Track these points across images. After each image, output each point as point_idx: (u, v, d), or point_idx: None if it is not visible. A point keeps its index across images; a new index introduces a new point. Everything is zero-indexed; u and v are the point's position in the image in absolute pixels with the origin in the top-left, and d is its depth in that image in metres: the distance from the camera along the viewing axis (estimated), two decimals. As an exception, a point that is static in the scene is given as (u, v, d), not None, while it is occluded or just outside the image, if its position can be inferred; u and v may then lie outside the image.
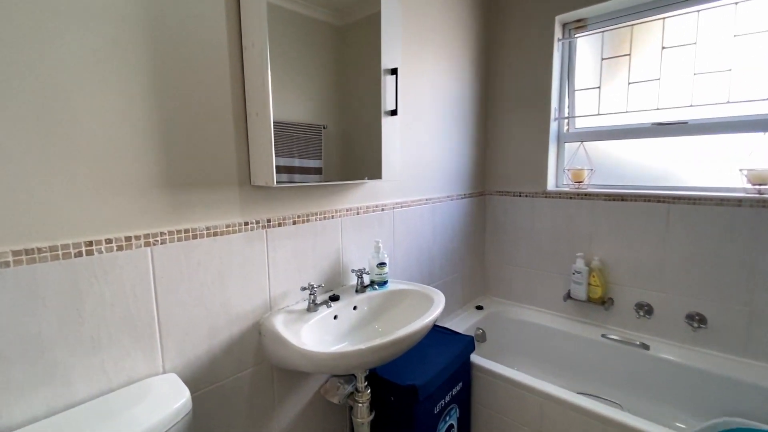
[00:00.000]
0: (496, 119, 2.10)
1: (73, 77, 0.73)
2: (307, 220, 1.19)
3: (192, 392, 0.95)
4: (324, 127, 1.10)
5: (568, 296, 1.86)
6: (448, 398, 1.35)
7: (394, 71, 1.24)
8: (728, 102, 1.52)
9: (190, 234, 0.92)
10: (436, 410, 1.29)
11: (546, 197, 1.94)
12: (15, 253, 0.68)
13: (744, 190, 1.49)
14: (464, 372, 1.46)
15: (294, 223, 1.15)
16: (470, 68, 1.94)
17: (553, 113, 1.91)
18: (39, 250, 0.71)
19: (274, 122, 0.95)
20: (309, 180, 1.08)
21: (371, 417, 1.21)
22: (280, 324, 1.04)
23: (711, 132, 1.57)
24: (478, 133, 2.05)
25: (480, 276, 2.20)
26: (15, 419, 0.70)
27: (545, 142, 1.92)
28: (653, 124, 1.70)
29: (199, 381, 0.97)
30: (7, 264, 0.67)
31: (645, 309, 1.67)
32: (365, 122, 1.22)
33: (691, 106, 1.60)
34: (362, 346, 0.90)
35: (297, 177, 1.04)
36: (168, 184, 0.88)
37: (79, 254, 0.75)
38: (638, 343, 1.65)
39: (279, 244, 1.11)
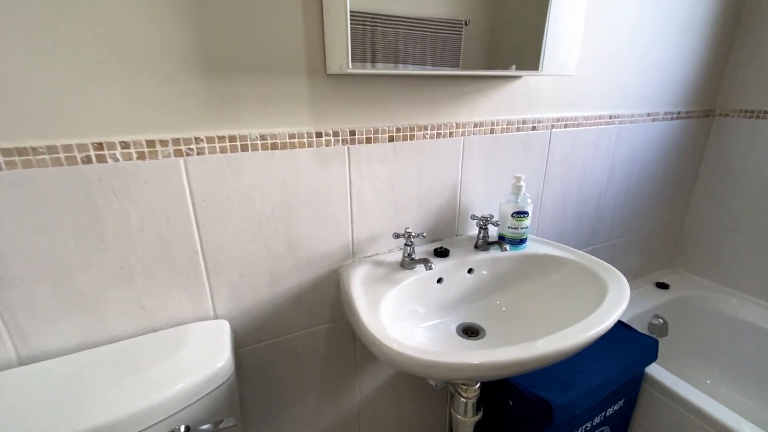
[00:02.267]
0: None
1: None
2: (411, 136, 0.80)
3: (252, 343, 0.78)
4: (466, 23, 0.66)
5: None
6: (598, 419, 0.91)
7: None
8: None
9: (238, 144, 0.64)
10: (577, 434, 0.88)
11: None
12: (5, 152, 0.51)
13: None
14: (632, 386, 0.96)
15: (391, 139, 0.77)
16: None
17: None
18: (34, 150, 0.53)
19: (395, 16, 0.60)
20: (415, 68, 0.66)
21: (477, 418, 0.88)
22: (357, 283, 0.74)
23: None
24: (716, 12, 1.19)
25: (672, 240, 1.49)
26: (47, 346, 0.61)
27: None
28: None
29: (261, 331, 0.78)
30: (-5, 166, 0.51)
31: None
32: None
33: None
34: (474, 360, 0.53)
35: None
36: (204, 68, 0.59)
37: (87, 160, 0.56)
38: None
39: (367, 169, 0.77)
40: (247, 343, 0.77)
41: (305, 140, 0.69)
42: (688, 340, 1.36)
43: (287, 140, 0.68)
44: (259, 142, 0.66)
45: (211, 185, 0.64)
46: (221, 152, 0.63)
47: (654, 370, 1.00)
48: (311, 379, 0.88)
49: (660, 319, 1.30)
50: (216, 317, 0.73)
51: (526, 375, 0.85)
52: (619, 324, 1.02)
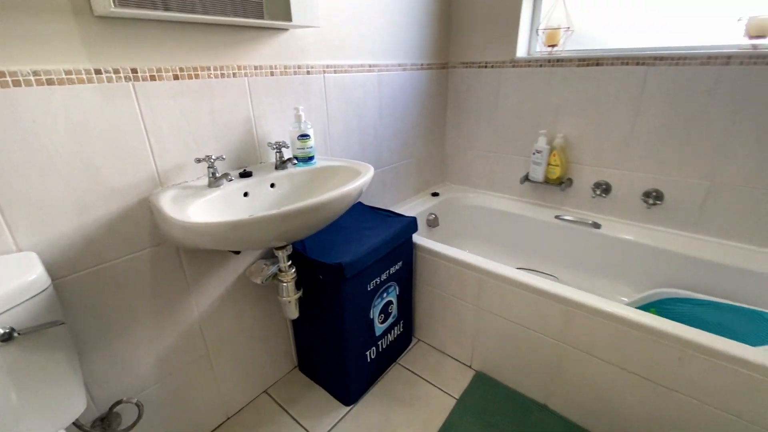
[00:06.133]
0: (463, -35, 1.69)
1: None
2: (196, 76, 0.95)
3: (69, 274, 0.84)
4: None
5: (526, 179, 1.75)
6: (384, 276, 1.30)
7: None
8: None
9: (8, 78, 0.69)
10: (370, 287, 1.25)
11: (514, 66, 1.68)
12: None
13: (738, 46, 1.26)
14: (405, 252, 1.40)
15: (176, 77, 0.91)
16: None
17: (532, -47, 1.53)
18: None
19: None
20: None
21: (298, 295, 1.16)
22: (166, 200, 0.88)
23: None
24: (439, -16, 1.67)
25: (439, 162, 2.05)
26: None
27: (518, -8, 1.58)
28: (649, -38, 1.37)
29: (75, 261, 0.84)
30: None
31: (603, 188, 1.58)
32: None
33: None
34: (261, 214, 0.76)
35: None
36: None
37: None
38: (590, 222, 1.60)
39: (158, 104, 0.89)
40: (64, 274, 0.83)
41: (84, 76, 0.77)
42: (452, 226, 1.95)
43: (64, 76, 0.75)
44: (32, 77, 0.71)
45: (-17, 119, 0.68)
46: (-13, 86, 0.67)
47: (422, 241, 1.46)
48: (143, 302, 0.99)
49: (433, 215, 1.83)
50: (20, 250, 0.77)
51: (327, 253, 1.15)
52: (392, 213, 1.43)
